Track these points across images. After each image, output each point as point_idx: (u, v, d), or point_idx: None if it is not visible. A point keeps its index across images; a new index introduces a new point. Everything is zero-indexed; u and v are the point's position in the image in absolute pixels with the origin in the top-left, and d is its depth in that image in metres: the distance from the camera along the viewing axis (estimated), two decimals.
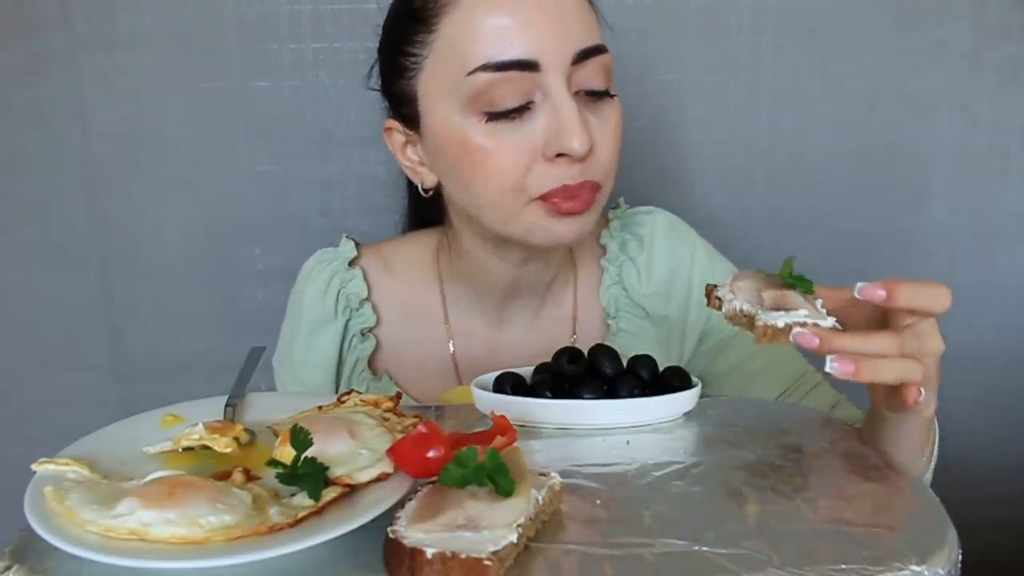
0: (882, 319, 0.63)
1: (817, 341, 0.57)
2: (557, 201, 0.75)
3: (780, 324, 0.57)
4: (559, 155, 0.73)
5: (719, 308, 0.62)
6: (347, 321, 0.89)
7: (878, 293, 0.59)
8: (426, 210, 0.89)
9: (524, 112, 0.74)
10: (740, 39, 1.12)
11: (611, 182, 0.79)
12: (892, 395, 0.62)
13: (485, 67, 0.73)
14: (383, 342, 0.90)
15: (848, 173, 1.17)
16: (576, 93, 0.74)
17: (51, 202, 1.13)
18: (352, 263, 0.90)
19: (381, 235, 0.96)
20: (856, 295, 0.60)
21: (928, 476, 0.73)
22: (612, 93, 0.78)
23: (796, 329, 0.57)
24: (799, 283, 0.62)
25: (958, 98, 1.15)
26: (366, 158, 1.14)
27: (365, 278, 0.90)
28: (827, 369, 0.56)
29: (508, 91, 0.73)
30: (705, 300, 0.64)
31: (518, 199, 0.75)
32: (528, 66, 0.73)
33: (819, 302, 0.61)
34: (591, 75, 0.75)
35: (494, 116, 0.74)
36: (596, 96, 0.76)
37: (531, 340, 0.87)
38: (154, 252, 1.16)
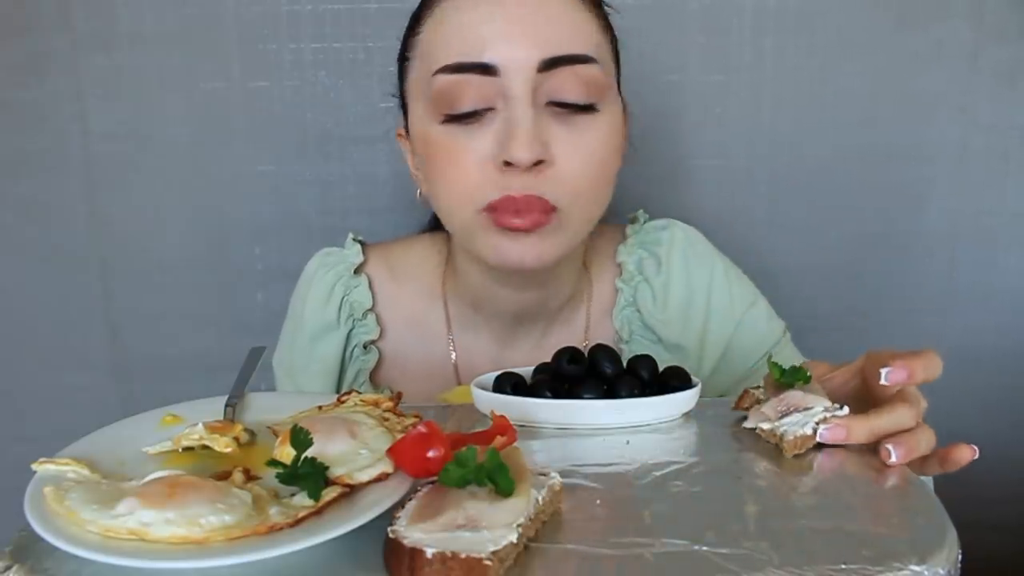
0: (860, 385, 0.66)
1: (844, 433, 0.57)
2: (499, 213, 0.72)
3: (809, 432, 0.58)
4: (508, 164, 0.71)
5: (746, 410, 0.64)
6: (349, 331, 0.87)
7: (901, 376, 0.61)
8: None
9: (483, 117, 0.72)
10: (741, 40, 1.12)
11: (582, 207, 0.75)
12: (928, 463, 0.63)
13: (446, 68, 0.72)
14: (385, 355, 0.88)
15: (848, 174, 1.17)
16: (547, 104, 0.72)
17: (51, 202, 1.13)
18: (358, 270, 0.88)
19: (381, 235, 0.95)
20: (883, 382, 0.61)
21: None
22: (594, 107, 0.73)
23: (821, 429, 0.58)
24: (795, 378, 0.63)
25: (957, 99, 1.15)
26: (366, 158, 1.13)
27: (370, 287, 0.87)
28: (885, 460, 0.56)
29: (467, 94, 0.72)
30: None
31: (469, 209, 0.74)
32: (487, 70, 0.71)
33: (818, 388, 0.63)
34: (563, 85, 0.71)
35: (451, 119, 0.73)
36: (570, 109, 0.72)
37: (538, 360, 0.86)
38: (154, 252, 1.16)
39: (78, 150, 1.12)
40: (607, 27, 0.78)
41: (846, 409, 0.60)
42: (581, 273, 0.87)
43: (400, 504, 0.47)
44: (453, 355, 0.87)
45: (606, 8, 0.79)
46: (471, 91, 0.72)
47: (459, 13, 0.73)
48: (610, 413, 0.63)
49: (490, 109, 0.72)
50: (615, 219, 0.88)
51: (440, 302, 0.88)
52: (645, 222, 0.90)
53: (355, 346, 0.87)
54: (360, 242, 0.90)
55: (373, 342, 0.87)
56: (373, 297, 0.87)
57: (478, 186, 0.73)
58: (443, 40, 0.73)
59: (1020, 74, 1.15)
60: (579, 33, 0.73)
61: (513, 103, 0.71)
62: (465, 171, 0.73)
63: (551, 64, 0.71)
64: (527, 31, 0.71)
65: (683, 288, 0.86)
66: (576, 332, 0.87)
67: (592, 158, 0.74)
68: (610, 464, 0.57)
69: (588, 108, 0.73)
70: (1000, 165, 1.18)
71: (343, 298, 0.87)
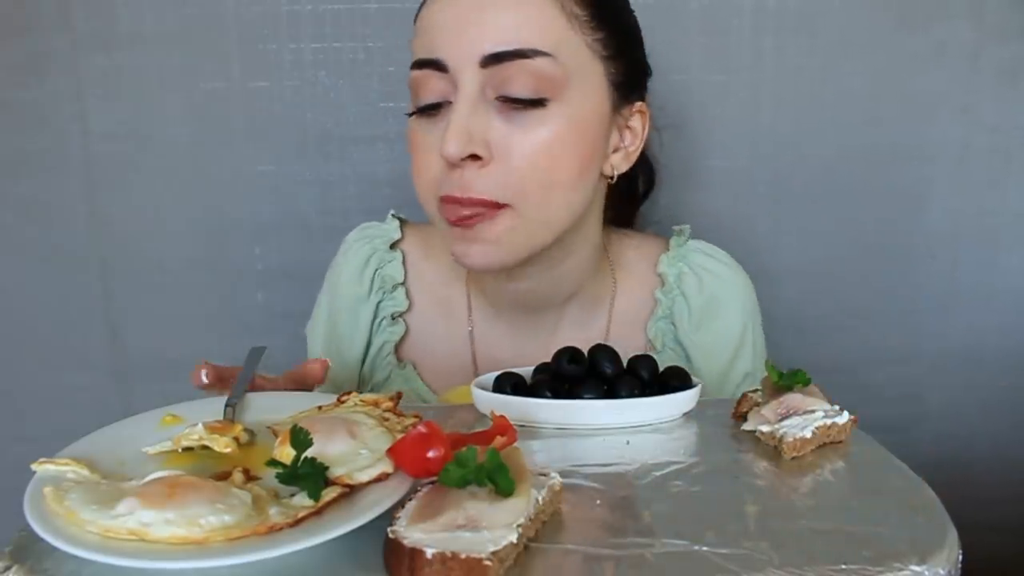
0: None
1: None
2: (446, 208, 0.74)
3: (808, 435, 0.57)
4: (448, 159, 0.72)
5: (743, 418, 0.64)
6: (379, 302, 0.89)
7: None
8: None
9: (440, 111, 0.74)
10: (741, 40, 1.12)
11: (536, 205, 0.74)
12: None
13: (413, 63, 0.75)
14: (412, 329, 0.89)
15: (849, 174, 1.17)
16: (497, 98, 0.72)
17: (51, 202, 1.13)
18: (394, 245, 0.90)
19: None
20: None
21: None
22: (544, 102, 0.72)
23: None
24: (794, 381, 0.63)
25: (959, 99, 1.15)
26: (366, 158, 1.13)
27: (404, 262, 0.89)
28: None
29: (427, 88, 0.74)
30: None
31: (432, 201, 0.76)
32: (435, 65, 0.73)
33: (818, 391, 0.63)
34: (510, 80, 0.71)
35: (419, 111, 0.76)
36: (519, 104, 0.72)
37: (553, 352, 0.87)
38: (154, 252, 1.16)
39: (78, 150, 1.12)
40: (589, 21, 0.75)
41: (846, 413, 0.60)
42: (600, 274, 0.88)
43: (400, 504, 0.47)
44: (472, 340, 0.88)
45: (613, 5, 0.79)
46: (430, 85, 0.74)
47: (426, 9, 0.76)
48: (610, 413, 0.63)
49: (447, 102, 0.74)
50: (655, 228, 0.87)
51: (463, 287, 0.90)
52: (688, 238, 0.90)
53: (383, 317, 0.89)
54: (400, 219, 0.92)
55: (401, 315, 0.89)
56: (405, 273, 0.89)
57: (434, 179, 0.75)
58: (416, 36, 0.76)
59: (1021, 74, 1.15)
60: (531, 27, 0.72)
61: (457, 98, 0.72)
62: (427, 164, 0.75)
63: (495, 59, 0.71)
64: (472, 27, 0.72)
65: (719, 336, 0.87)
66: (594, 333, 0.87)
67: (539, 154, 0.73)
68: (610, 464, 0.56)
69: (537, 103, 0.72)
70: (1002, 165, 1.18)
71: (376, 270, 0.89)
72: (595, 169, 0.78)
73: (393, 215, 0.92)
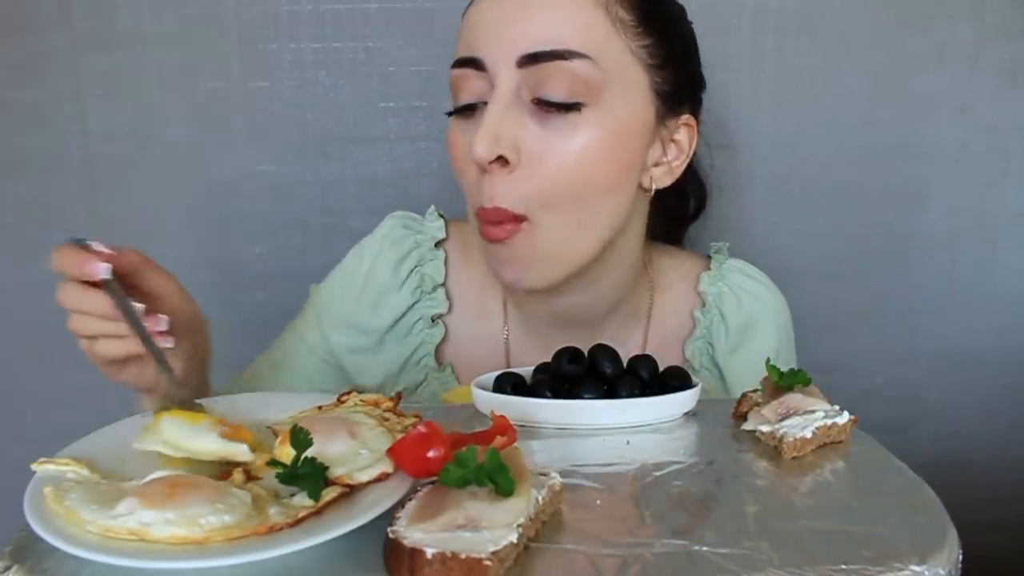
0: None
1: None
2: (481, 225, 0.73)
3: (808, 435, 0.57)
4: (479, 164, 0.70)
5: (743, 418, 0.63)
6: (416, 302, 0.85)
7: None
8: None
9: (476, 112, 0.73)
10: (741, 40, 1.12)
11: (558, 217, 0.71)
12: None
13: (454, 62, 0.74)
14: (452, 331, 0.87)
15: (848, 174, 1.17)
16: (533, 100, 0.70)
17: (51, 202, 1.13)
18: (438, 243, 0.87)
19: None
20: None
21: None
22: (579, 106, 0.70)
23: None
24: (794, 381, 0.63)
25: (958, 99, 1.15)
26: (366, 158, 1.13)
27: (446, 262, 0.86)
28: None
29: (465, 88, 0.73)
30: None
31: (473, 207, 0.75)
32: (474, 64, 0.72)
33: (818, 391, 0.63)
34: (546, 82, 0.69)
35: (457, 111, 0.75)
36: (553, 107, 0.70)
37: None
38: (154, 252, 1.15)
39: (78, 150, 1.12)
40: (636, 27, 0.72)
41: (846, 414, 0.60)
42: (639, 290, 0.86)
43: (400, 504, 0.47)
44: (507, 348, 0.86)
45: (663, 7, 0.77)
46: (468, 85, 0.73)
47: (472, 8, 0.75)
48: (610, 413, 0.63)
49: (484, 103, 0.72)
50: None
51: (499, 294, 0.87)
52: (728, 257, 0.89)
53: (419, 319, 0.85)
54: (443, 218, 0.89)
55: (440, 316, 0.86)
56: (446, 273, 0.86)
57: (470, 188, 0.74)
58: (460, 34, 0.75)
59: (1021, 74, 1.15)
60: (571, 28, 0.70)
61: (492, 98, 0.71)
62: (463, 162, 0.74)
63: (532, 59, 0.69)
64: (510, 26, 0.70)
65: (757, 351, 0.86)
66: (631, 349, 0.84)
67: (570, 161, 0.70)
68: (610, 464, 0.56)
69: (572, 107, 0.70)
70: (1001, 165, 1.18)
71: (416, 267, 0.86)
72: (631, 181, 0.75)
73: (438, 212, 0.89)
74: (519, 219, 0.71)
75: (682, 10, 0.80)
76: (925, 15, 1.12)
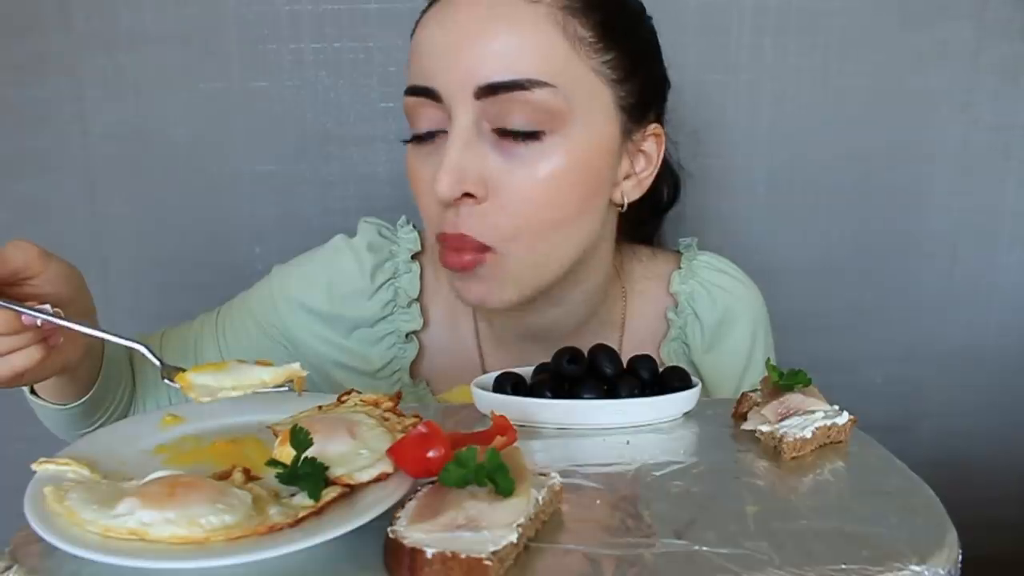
0: None
1: None
2: (441, 248, 0.72)
3: (808, 435, 0.57)
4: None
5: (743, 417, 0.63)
6: (386, 316, 0.83)
7: None
8: None
9: (436, 140, 0.71)
10: (741, 39, 1.12)
11: (526, 246, 0.69)
12: None
13: (407, 89, 0.72)
14: (426, 347, 0.85)
15: (849, 173, 1.17)
16: (494, 131, 0.68)
17: (51, 202, 1.13)
18: (414, 256, 0.85)
19: None
20: None
21: None
22: (541, 135, 0.67)
23: None
24: (795, 381, 0.63)
25: (959, 98, 1.15)
26: (366, 158, 1.14)
27: (421, 276, 0.84)
28: None
29: (422, 116, 0.71)
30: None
31: (432, 234, 0.73)
32: (429, 94, 0.69)
33: (817, 391, 0.63)
34: (507, 113, 0.67)
35: (412, 138, 0.73)
36: (515, 137, 0.67)
37: None
38: (154, 252, 1.16)
39: (78, 150, 1.12)
40: (596, 43, 0.70)
41: (845, 414, 0.60)
42: (612, 298, 0.85)
43: (400, 504, 0.47)
44: (482, 364, 0.85)
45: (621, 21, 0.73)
46: (424, 113, 0.70)
47: (420, 31, 0.72)
48: (610, 413, 0.63)
49: (443, 131, 0.70)
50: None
51: (470, 313, 0.86)
52: (697, 253, 0.88)
53: (391, 332, 0.83)
54: (418, 231, 0.86)
55: (415, 332, 0.84)
56: (421, 287, 0.84)
57: (432, 217, 0.73)
58: (410, 58, 0.72)
59: (1022, 72, 1.15)
60: (530, 55, 0.67)
61: (452, 130, 0.68)
62: (424, 191, 0.72)
63: (491, 90, 0.66)
64: (466, 55, 0.67)
65: (732, 347, 0.85)
66: None
67: (538, 191, 0.68)
68: (610, 464, 0.56)
69: (534, 136, 0.67)
70: (1001, 164, 1.18)
71: (390, 280, 0.83)
72: (601, 201, 0.74)
73: (411, 224, 0.86)
74: (484, 249, 0.70)
75: (641, 10, 0.78)
76: (926, 14, 1.12)
